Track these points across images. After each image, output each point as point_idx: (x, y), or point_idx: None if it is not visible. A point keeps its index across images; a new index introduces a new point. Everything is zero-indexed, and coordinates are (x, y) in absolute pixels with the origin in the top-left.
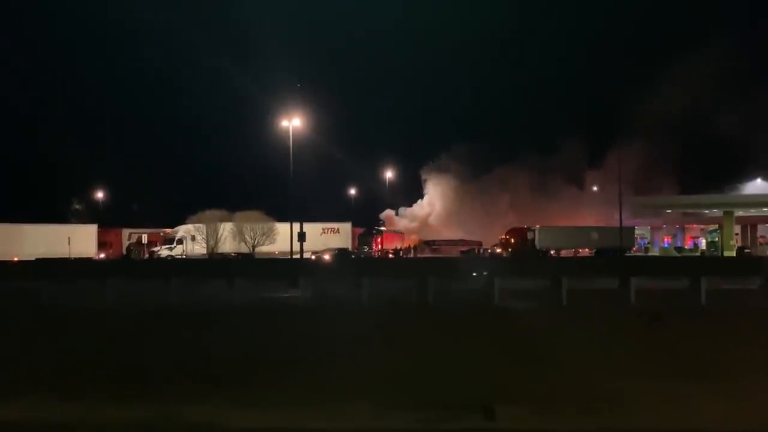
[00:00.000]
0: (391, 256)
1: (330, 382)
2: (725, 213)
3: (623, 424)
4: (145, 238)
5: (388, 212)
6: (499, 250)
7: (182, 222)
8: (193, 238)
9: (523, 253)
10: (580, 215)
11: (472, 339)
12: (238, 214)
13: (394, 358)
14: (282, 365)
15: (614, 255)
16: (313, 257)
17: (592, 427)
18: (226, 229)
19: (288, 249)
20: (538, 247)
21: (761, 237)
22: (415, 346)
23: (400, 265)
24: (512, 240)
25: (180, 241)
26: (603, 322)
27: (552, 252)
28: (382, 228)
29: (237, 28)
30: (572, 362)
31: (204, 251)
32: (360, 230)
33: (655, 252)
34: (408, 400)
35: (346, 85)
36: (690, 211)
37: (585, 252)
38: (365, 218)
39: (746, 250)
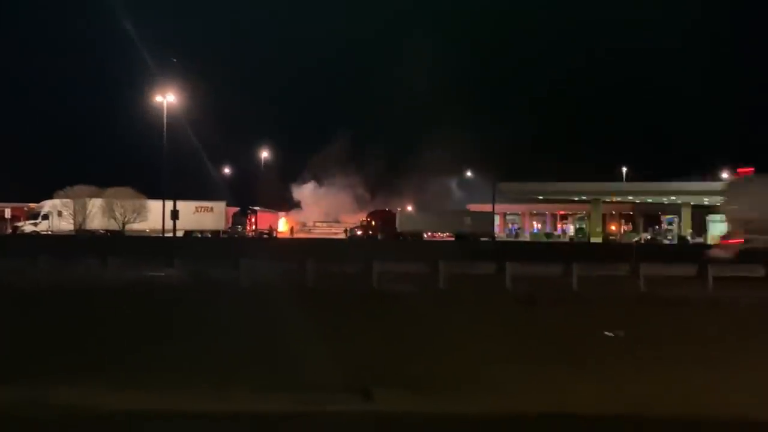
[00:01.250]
0: (265, 236)
1: (208, 365)
2: (593, 200)
3: (497, 407)
4: (8, 213)
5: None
6: (359, 233)
7: (49, 197)
8: (60, 214)
9: (386, 236)
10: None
11: (350, 322)
12: (109, 191)
13: (273, 340)
14: (158, 347)
15: (474, 240)
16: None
17: (468, 410)
18: (95, 205)
19: (160, 227)
20: (399, 230)
21: (626, 225)
22: (293, 329)
23: (278, 246)
24: (374, 222)
25: (46, 217)
26: (479, 306)
27: (425, 236)
28: (257, 208)
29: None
30: (450, 345)
31: (71, 227)
32: (234, 209)
33: (525, 237)
34: (287, 382)
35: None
36: (558, 198)
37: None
38: (242, 198)
39: (612, 237)
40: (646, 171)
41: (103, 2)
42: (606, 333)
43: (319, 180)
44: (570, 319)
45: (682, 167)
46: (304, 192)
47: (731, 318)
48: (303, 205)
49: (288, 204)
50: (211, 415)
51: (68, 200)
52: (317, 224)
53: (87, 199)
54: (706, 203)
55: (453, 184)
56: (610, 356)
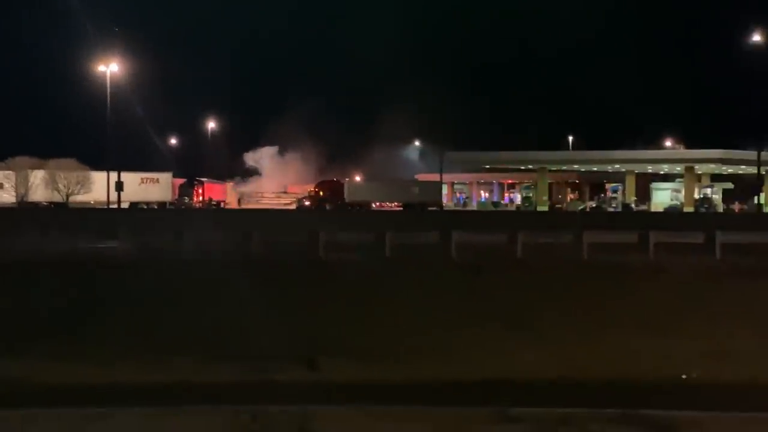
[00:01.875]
0: (213, 207)
1: (151, 336)
2: (539, 169)
3: (444, 373)
4: None
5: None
6: (308, 203)
7: None
8: (1, 186)
9: (334, 206)
10: (398, 170)
11: (296, 292)
12: (51, 162)
13: (216, 311)
14: (101, 319)
15: (421, 210)
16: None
17: (414, 376)
18: (37, 177)
19: (105, 199)
20: (347, 200)
21: (572, 194)
22: (237, 299)
23: (224, 217)
24: (321, 193)
25: None
26: (424, 274)
27: (374, 206)
28: (203, 179)
29: None
30: (396, 314)
31: (13, 200)
32: (180, 181)
33: (473, 206)
34: (231, 353)
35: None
36: (505, 167)
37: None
38: (190, 168)
39: (558, 206)
40: (592, 140)
41: None
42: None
43: (274, 148)
44: (513, 286)
45: (627, 136)
46: (260, 162)
47: (670, 283)
48: (258, 173)
49: (240, 174)
50: (154, 386)
51: (9, 172)
52: (266, 195)
53: (29, 171)
54: (649, 171)
55: (403, 153)
56: (552, 322)
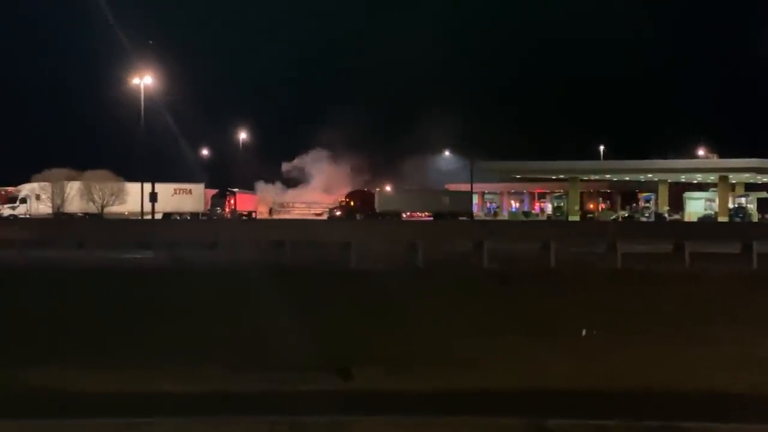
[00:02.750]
0: (244, 218)
1: (182, 345)
2: (571, 179)
3: (476, 382)
4: None
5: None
6: (339, 213)
7: (27, 181)
8: (38, 198)
9: (365, 216)
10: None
11: (328, 301)
12: (87, 173)
13: (247, 320)
14: (133, 328)
15: (452, 219)
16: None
17: (446, 386)
18: (73, 188)
19: (139, 210)
20: (378, 210)
21: (604, 204)
22: (269, 308)
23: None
24: (352, 203)
25: (24, 200)
26: (456, 284)
27: (404, 216)
28: (235, 189)
29: None
30: (428, 323)
31: (49, 211)
32: (213, 191)
33: (503, 216)
34: (262, 362)
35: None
36: (536, 176)
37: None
38: (220, 179)
39: (590, 215)
40: (624, 149)
41: None
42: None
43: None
44: (545, 295)
45: (659, 145)
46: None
47: (706, 293)
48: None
49: (273, 183)
50: (187, 395)
51: (46, 184)
52: (296, 205)
53: (65, 183)
54: (683, 180)
55: (433, 163)
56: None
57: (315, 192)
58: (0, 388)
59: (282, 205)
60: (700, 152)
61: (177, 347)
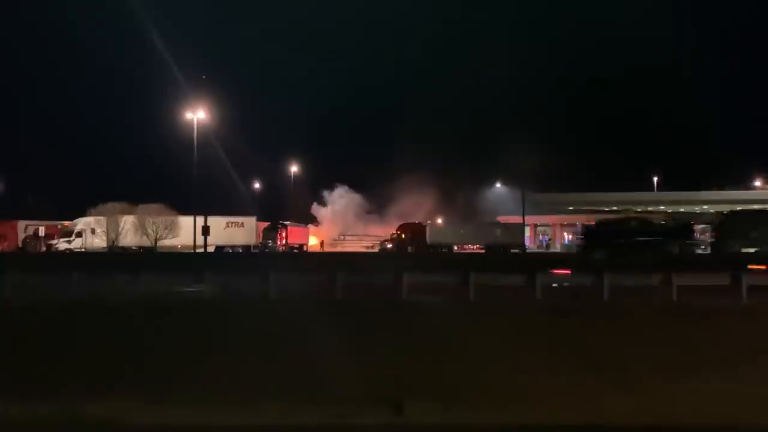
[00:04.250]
0: (295, 251)
1: (238, 379)
2: (624, 210)
3: (530, 418)
4: (42, 231)
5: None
6: (390, 246)
7: (82, 214)
8: (93, 231)
9: (416, 248)
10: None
11: (379, 333)
12: (140, 207)
13: (301, 353)
14: (188, 361)
15: (505, 252)
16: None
17: (500, 420)
18: (127, 222)
19: (191, 243)
20: (429, 242)
21: None
22: (322, 342)
23: (307, 260)
24: (403, 235)
25: (79, 234)
26: (509, 317)
27: (455, 248)
28: (287, 222)
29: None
30: (480, 357)
31: (104, 245)
32: (265, 224)
33: (556, 248)
34: (316, 396)
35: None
36: (590, 208)
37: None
38: (271, 212)
39: None
40: (678, 179)
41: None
42: None
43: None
44: (600, 329)
45: (714, 175)
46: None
47: (764, 329)
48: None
49: (316, 218)
50: (244, 429)
51: (101, 218)
52: (347, 238)
53: (119, 216)
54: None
55: (484, 195)
56: (642, 367)
57: (368, 224)
58: (66, 420)
59: (334, 238)
60: (757, 183)
61: (232, 380)
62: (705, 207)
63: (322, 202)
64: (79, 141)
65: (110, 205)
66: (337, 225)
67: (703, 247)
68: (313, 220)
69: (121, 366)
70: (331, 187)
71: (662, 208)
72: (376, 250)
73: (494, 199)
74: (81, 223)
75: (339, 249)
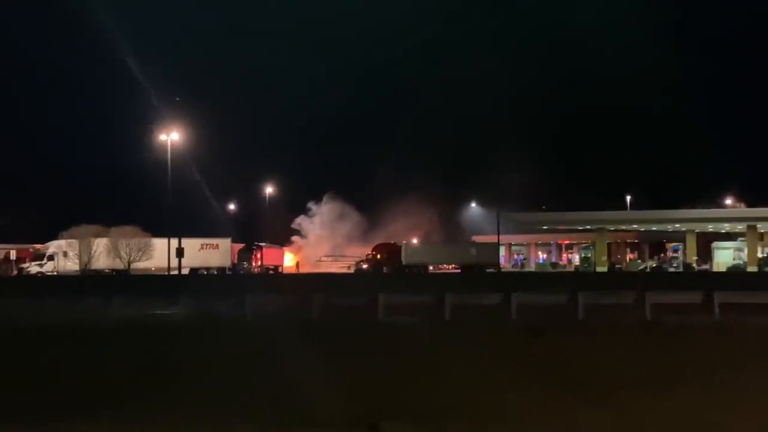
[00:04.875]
0: (271, 272)
1: (215, 402)
2: (598, 230)
3: None
4: (13, 254)
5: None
6: (365, 266)
7: (54, 238)
8: (66, 254)
9: (391, 268)
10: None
11: (356, 355)
12: (113, 230)
13: (278, 375)
14: (164, 384)
15: (479, 271)
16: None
17: None
18: (100, 244)
19: (165, 265)
20: (404, 263)
21: (631, 254)
22: (298, 364)
23: (283, 281)
24: (378, 256)
25: (51, 257)
26: (485, 336)
27: (431, 268)
28: (262, 243)
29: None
30: (457, 377)
31: (77, 268)
32: (239, 246)
33: (531, 267)
34: (294, 418)
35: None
36: (563, 227)
37: (448, 269)
38: (246, 233)
39: (617, 266)
40: (650, 199)
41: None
42: None
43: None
44: (575, 348)
45: (686, 195)
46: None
47: (737, 345)
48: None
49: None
50: None
51: (73, 240)
52: (323, 259)
53: (92, 239)
54: (710, 230)
55: (459, 215)
56: (616, 385)
57: (342, 245)
58: None
59: (309, 259)
60: (728, 201)
61: (209, 403)
62: (677, 226)
63: (311, 214)
64: (52, 163)
65: (83, 228)
66: (325, 238)
67: (675, 266)
68: (296, 232)
69: (95, 389)
70: (319, 199)
71: (635, 227)
72: (352, 270)
73: (474, 218)
74: (53, 246)
75: (316, 270)
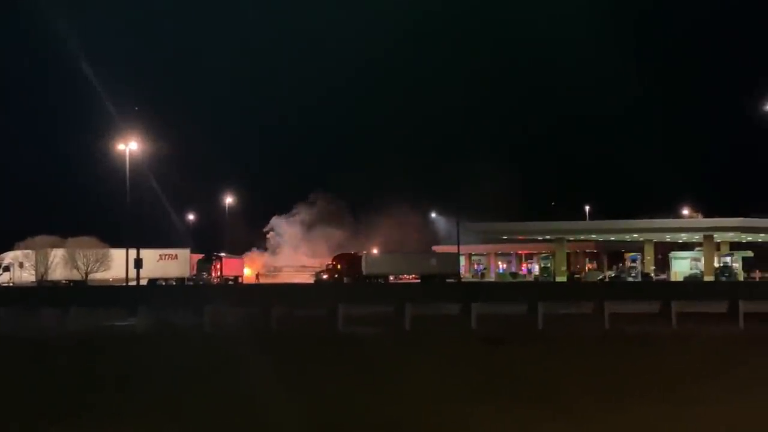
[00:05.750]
0: (230, 282)
1: (173, 415)
2: (557, 240)
3: None
4: None
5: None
6: (325, 276)
7: (10, 248)
8: (21, 265)
9: (352, 279)
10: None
11: (315, 367)
12: (71, 240)
13: (235, 387)
14: (118, 397)
15: (440, 281)
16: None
17: None
18: (57, 255)
19: (124, 276)
20: (365, 273)
21: (590, 264)
22: (257, 375)
23: (243, 292)
24: (339, 266)
25: (7, 269)
26: (445, 347)
27: (391, 278)
28: (221, 254)
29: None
30: (417, 388)
31: (33, 279)
32: (199, 256)
33: (491, 277)
34: (250, 430)
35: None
36: (522, 237)
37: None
38: (207, 244)
39: (576, 276)
40: (609, 209)
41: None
42: None
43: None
44: (535, 358)
45: (644, 205)
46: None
47: (695, 354)
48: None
49: (258, 247)
50: None
51: (29, 251)
52: (284, 269)
53: (49, 250)
54: (668, 240)
55: (419, 225)
56: (576, 395)
57: (302, 256)
58: None
59: (269, 270)
60: (685, 212)
61: (167, 418)
62: (635, 236)
63: (293, 213)
64: (7, 173)
65: (39, 239)
66: (304, 241)
67: (633, 275)
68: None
69: (47, 402)
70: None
71: (593, 237)
72: (312, 281)
73: (440, 227)
74: (8, 257)
75: (275, 280)
